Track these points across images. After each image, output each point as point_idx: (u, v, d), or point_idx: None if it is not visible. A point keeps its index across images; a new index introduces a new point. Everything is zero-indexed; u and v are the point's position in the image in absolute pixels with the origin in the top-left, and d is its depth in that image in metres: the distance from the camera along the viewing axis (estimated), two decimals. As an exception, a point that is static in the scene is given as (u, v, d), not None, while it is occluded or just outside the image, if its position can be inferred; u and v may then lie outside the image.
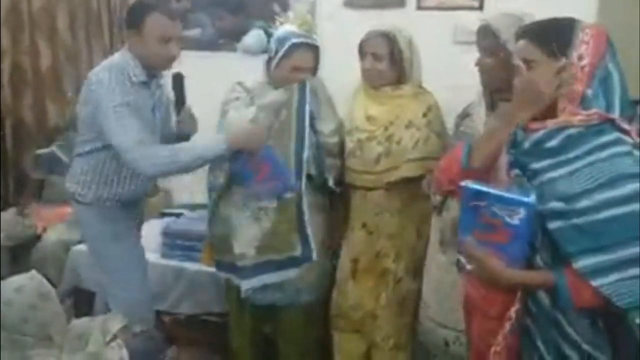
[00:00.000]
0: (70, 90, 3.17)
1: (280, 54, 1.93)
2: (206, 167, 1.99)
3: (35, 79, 3.17)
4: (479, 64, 1.70)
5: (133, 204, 2.11)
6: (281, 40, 1.93)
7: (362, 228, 2.03)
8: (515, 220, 1.12)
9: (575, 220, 1.08)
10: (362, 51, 1.97)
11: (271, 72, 2.00)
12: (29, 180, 3.23)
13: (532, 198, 1.11)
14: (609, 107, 1.13)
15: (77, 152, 2.03)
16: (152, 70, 1.93)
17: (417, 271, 2.02)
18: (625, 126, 1.11)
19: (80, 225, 2.14)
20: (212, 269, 2.40)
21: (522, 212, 1.11)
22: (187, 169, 1.85)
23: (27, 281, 1.39)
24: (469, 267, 1.22)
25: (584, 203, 1.07)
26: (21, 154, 3.23)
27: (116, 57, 1.93)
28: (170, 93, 2.02)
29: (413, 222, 2.01)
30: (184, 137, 2.01)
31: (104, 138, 1.87)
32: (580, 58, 1.13)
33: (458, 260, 1.26)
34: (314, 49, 1.97)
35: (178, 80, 1.98)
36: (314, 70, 2.00)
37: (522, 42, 1.21)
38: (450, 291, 1.74)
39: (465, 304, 1.42)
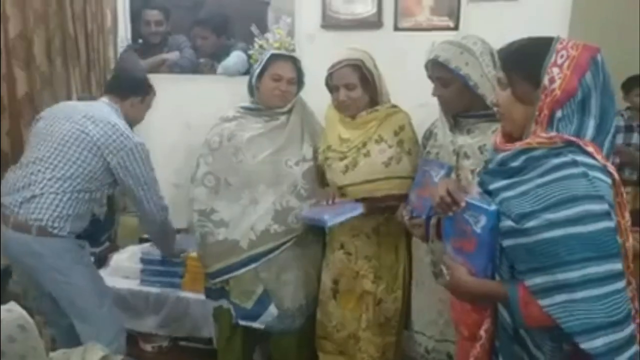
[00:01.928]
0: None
1: (260, 66, 2.00)
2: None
3: (12, 106, 3.13)
4: (435, 94, 1.71)
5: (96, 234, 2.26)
6: (261, 56, 2.02)
7: (340, 249, 2.04)
8: (478, 228, 1.15)
9: (523, 240, 1.08)
10: (332, 84, 1.94)
11: (254, 90, 2.05)
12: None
13: (492, 207, 1.13)
14: (580, 128, 1.11)
15: (54, 189, 2.03)
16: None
17: (399, 290, 2.02)
18: (589, 148, 1.09)
19: (47, 257, 2.07)
20: (194, 295, 2.39)
21: (483, 220, 1.14)
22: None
23: (5, 313, 1.34)
24: (447, 277, 1.24)
25: (531, 223, 1.06)
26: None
27: (114, 110, 2.16)
28: None
29: (390, 242, 2.01)
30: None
31: (95, 185, 2.09)
32: (551, 81, 1.11)
33: (441, 270, 1.28)
34: (294, 60, 2.02)
35: None
36: (296, 81, 2.03)
37: (498, 63, 1.22)
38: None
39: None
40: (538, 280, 1.06)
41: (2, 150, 3.17)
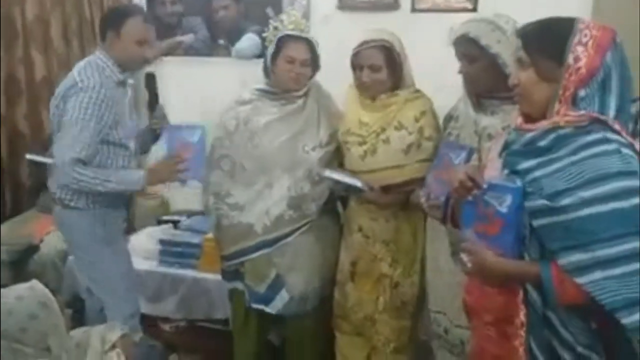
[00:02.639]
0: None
1: (273, 48, 1.97)
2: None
3: (30, 89, 3.16)
4: (462, 72, 1.69)
5: (121, 206, 2.14)
6: (274, 37, 1.99)
7: (358, 231, 2.03)
8: (503, 208, 1.15)
9: (558, 218, 1.08)
10: (357, 64, 1.90)
11: (269, 73, 2.02)
12: (25, 190, 3.22)
13: (517, 184, 1.14)
14: (602, 107, 1.12)
15: None
16: (126, 70, 2.03)
17: (416, 274, 2.02)
18: (616, 126, 1.10)
19: (69, 231, 2.13)
20: (211, 276, 2.41)
21: (508, 199, 1.14)
22: (99, 191, 1.97)
23: (27, 291, 1.37)
24: (469, 264, 1.23)
25: (566, 201, 1.07)
26: (17, 164, 3.22)
27: (91, 58, 2.01)
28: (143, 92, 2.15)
29: (409, 226, 2.00)
30: (155, 134, 2.16)
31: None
32: (576, 60, 1.12)
33: (460, 259, 1.27)
34: (307, 42, 1.98)
35: (151, 79, 2.12)
36: (310, 62, 1.99)
37: (516, 41, 1.21)
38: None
39: (465, 310, 1.43)
40: (574, 258, 1.07)
41: (22, 133, 3.22)
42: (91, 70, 1.95)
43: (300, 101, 2.02)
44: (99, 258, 2.08)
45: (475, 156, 1.61)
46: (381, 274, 2.01)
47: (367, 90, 1.94)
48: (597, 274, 1.05)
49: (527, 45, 1.17)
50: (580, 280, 1.06)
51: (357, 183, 1.90)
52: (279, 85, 2.02)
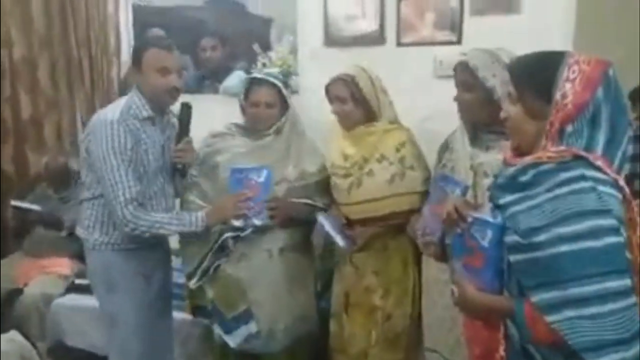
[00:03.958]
0: (51, 139, 3.15)
1: (243, 90, 2.04)
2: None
3: (16, 129, 3.14)
4: (457, 99, 1.69)
5: (146, 249, 2.01)
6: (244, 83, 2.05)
7: (349, 263, 2.05)
8: (485, 242, 1.16)
9: (532, 255, 1.06)
10: (329, 96, 2.02)
11: (244, 111, 2.07)
12: (9, 232, 3.16)
13: (498, 220, 1.14)
14: (590, 142, 1.10)
15: (85, 196, 1.98)
16: (158, 105, 1.93)
17: (408, 306, 2.00)
18: (598, 162, 1.07)
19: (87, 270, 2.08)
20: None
21: (489, 234, 1.15)
22: (161, 235, 1.94)
23: (7, 344, 1.32)
24: (456, 294, 1.23)
25: (541, 237, 1.05)
26: (1, 205, 3.16)
27: (124, 98, 1.96)
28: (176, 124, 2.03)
29: (399, 256, 2.01)
30: (180, 169, 2.00)
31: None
32: (563, 97, 1.09)
33: (452, 290, 1.25)
34: (273, 85, 2.01)
35: (185, 109, 1.99)
36: (277, 104, 2.01)
37: (508, 77, 1.20)
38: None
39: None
40: (546, 295, 1.05)
41: (7, 174, 3.18)
42: (113, 107, 1.91)
43: (269, 138, 2.04)
44: (105, 305, 2.02)
45: (470, 193, 1.59)
46: (373, 306, 2.01)
47: (341, 122, 2.02)
48: (568, 313, 1.02)
49: (515, 81, 1.17)
50: (550, 318, 1.04)
51: (340, 242, 1.95)
52: (249, 124, 2.07)
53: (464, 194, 1.54)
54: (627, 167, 1.15)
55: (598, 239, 1.02)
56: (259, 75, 2.05)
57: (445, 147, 1.82)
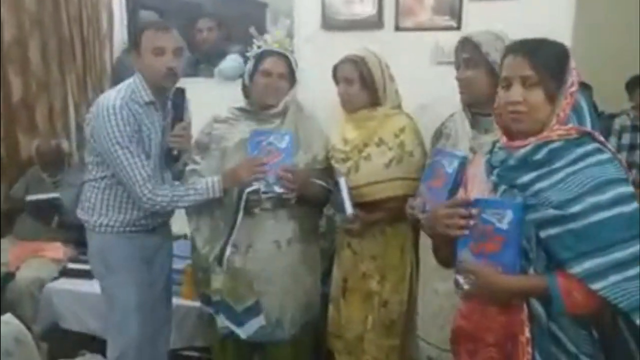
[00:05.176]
0: (43, 122, 3.10)
1: (251, 64, 2.00)
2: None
3: (7, 111, 3.09)
4: (459, 77, 1.69)
5: (147, 233, 2.01)
6: (253, 55, 2.02)
7: (347, 248, 2.05)
8: (504, 224, 1.16)
9: (570, 225, 1.11)
10: (336, 77, 2.01)
11: (248, 91, 2.02)
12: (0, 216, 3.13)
13: (518, 200, 1.16)
14: (580, 124, 1.19)
15: (87, 178, 1.96)
16: (157, 88, 1.91)
17: (404, 292, 2.00)
18: (601, 138, 1.17)
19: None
20: (193, 303, 2.34)
21: (509, 215, 1.16)
22: (181, 208, 1.95)
23: (3, 327, 1.31)
24: (466, 286, 1.21)
25: (577, 207, 1.10)
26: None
27: (128, 80, 1.94)
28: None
29: (396, 242, 2.01)
30: (174, 154, 1.96)
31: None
32: (572, 84, 1.17)
33: (456, 280, 1.24)
34: (284, 57, 2.00)
35: (178, 94, 1.96)
36: (287, 77, 2.00)
37: (518, 59, 1.19)
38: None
39: (455, 337, 1.39)
40: (587, 264, 1.09)
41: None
42: (116, 91, 1.90)
43: (277, 121, 2.01)
44: (105, 285, 2.01)
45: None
46: (370, 291, 2.01)
47: (344, 104, 2.01)
48: (612, 278, 1.08)
49: (537, 66, 1.17)
50: (597, 285, 1.09)
51: (349, 209, 1.90)
52: (256, 100, 2.01)
53: (462, 164, 1.52)
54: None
55: (626, 205, 1.10)
56: (272, 48, 2.01)
57: (440, 134, 1.82)
